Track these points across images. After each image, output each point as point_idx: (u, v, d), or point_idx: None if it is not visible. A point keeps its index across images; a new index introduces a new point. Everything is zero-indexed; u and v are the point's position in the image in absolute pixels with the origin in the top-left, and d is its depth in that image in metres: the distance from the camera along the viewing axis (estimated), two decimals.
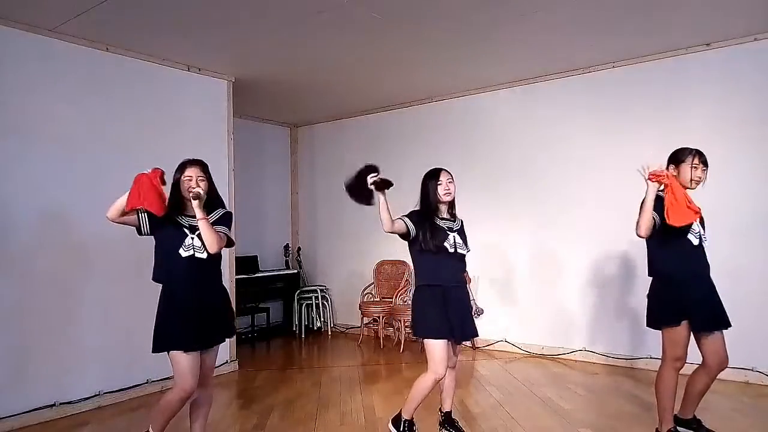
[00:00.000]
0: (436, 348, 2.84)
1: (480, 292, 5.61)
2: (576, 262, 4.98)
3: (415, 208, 3.11)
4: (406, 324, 5.57)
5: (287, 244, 6.99)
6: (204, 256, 2.68)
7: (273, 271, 6.62)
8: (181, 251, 2.68)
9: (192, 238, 2.72)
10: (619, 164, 4.78)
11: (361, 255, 6.44)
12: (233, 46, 4.25)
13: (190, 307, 2.67)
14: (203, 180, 2.82)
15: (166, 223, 2.73)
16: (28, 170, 3.69)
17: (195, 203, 2.61)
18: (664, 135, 4.55)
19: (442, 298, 2.89)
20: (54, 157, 3.81)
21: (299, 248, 7.07)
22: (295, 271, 6.83)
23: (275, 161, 7.08)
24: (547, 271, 5.17)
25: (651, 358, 4.55)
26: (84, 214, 3.95)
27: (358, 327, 6.23)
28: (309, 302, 6.64)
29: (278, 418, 3.61)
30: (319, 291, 6.64)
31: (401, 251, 6.39)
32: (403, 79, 5.28)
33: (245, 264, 6.09)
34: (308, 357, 5.69)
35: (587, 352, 4.91)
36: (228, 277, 4.87)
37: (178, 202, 2.80)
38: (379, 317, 5.83)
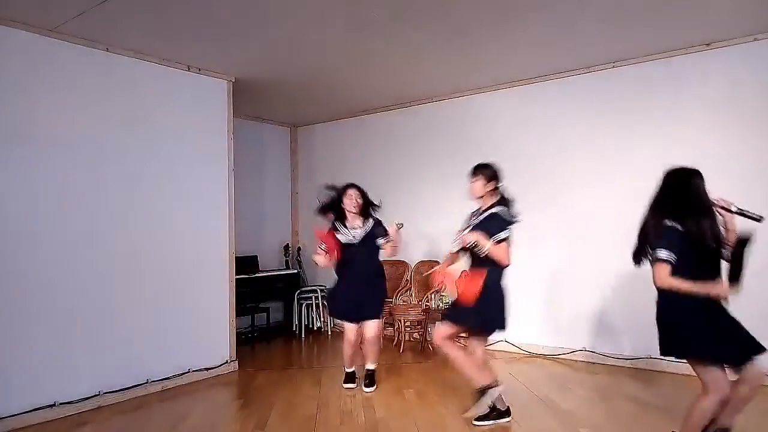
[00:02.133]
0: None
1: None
2: (576, 262, 4.98)
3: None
4: (406, 324, 5.58)
5: (287, 244, 6.99)
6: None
7: (273, 271, 6.62)
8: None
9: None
10: (619, 164, 4.78)
11: None
12: (233, 46, 4.25)
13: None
14: (360, 197, 4.08)
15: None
16: (27, 170, 3.68)
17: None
18: (663, 134, 4.56)
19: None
20: (53, 156, 3.81)
21: (299, 248, 7.07)
22: (295, 271, 6.83)
23: (275, 161, 7.09)
24: (547, 272, 5.17)
25: (651, 358, 4.55)
26: (83, 214, 3.96)
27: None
28: (309, 302, 6.63)
29: (278, 418, 3.61)
30: (319, 291, 6.63)
31: (400, 252, 6.40)
32: (403, 79, 5.28)
33: (245, 264, 6.09)
34: (308, 357, 5.68)
35: (587, 352, 4.91)
36: (228, 277, 4.88)
37: (341, 214, 4.09)
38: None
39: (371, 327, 4.14)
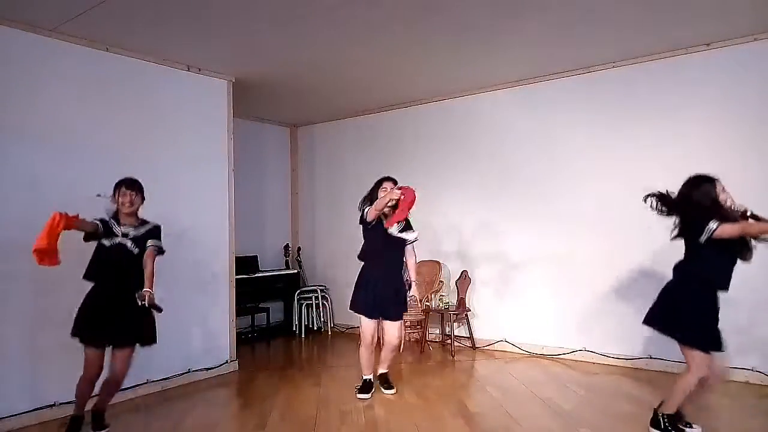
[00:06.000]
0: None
1: (480, 291, 5.61)
2: (576, 261, 4.98)
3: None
4: (406, 324, 5.57)
5: (287, 244, 6.99)
6: None
7: (273, 271, 6.62)
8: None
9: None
10: (619, 164, 4.78)
11: None
12: (233, 46, 4.25)
13: None
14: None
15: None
16: (27, 170, 3.68)
17: None
18: (663, 134, 4.57)
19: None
20: (53, 156, 3.80)
21: (299, 248, 7.07)
22: (295, 271, 6.83)
23: (275, 161, 7.08)
24: (547, 271, 5.17)
25: (651, 358, 4.55)
26: (83, 214, 3.94)
27: (358, 327, 6.21)
28: (309, 302, 6.64)
29: (278, 418, 3.61)
30: (319, 291, 6.64)
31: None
32: (403, 79, 5.28)
33: (245, 264, 6.09)
34: (308, 357, 5.68)
35: (587, 352, 4.90)
36: (228, 277, 4.88)
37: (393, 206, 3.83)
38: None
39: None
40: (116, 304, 3.13)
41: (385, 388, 4.07)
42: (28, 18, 3.59)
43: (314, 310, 6.67)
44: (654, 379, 4.32)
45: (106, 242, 3.17)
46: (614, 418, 3.46)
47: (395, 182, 3.98)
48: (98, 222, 3.19)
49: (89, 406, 3.31)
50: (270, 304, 6.40)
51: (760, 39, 4.14)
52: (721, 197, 2.94)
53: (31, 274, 3.65)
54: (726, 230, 2.79)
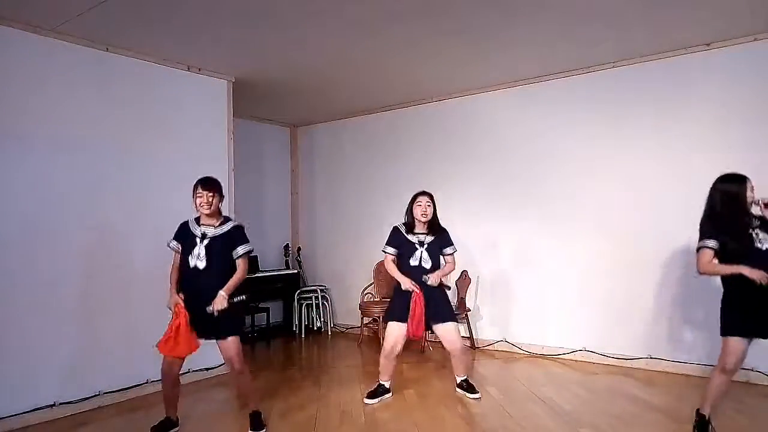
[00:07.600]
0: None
1: (480, 291, 5.61)
2: (576, 261, 4.98)
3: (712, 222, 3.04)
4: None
5: (287, 244, 6.99)
6: None
7: (273, 271, 6.62)
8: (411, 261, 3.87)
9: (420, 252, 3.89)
10: (619, 163, 4.79)
11: (361, 255, 6.44)
12: (233, 46, 4.25)
13: None
14: (430, 205, 3.87)
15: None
16: (28, 170, 3.68)
17: None
18: (663, 134, 4.57)
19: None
20: (53, 157, 3.80)
21: (299, 248, 7.07)
22: (295, 271, 6.83)
23: (275, 161, 7.08)
24: (547, 271, 5.17)
25: (651, 358, 4.55)
26: (83, 214, 3.96)
27: (358, 327, 6.23)
28: (309, 302, 6.64)
29: (278, 418, 3.61)
30: (319, 291, 6.64)
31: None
32: (403, 79, 5.28)
33: None
34: (308, 357, 5.68)
35: (587, 352, 4.90)
36: None
37: (411, 223, 3.91)
38: (379, 317, 5.82)
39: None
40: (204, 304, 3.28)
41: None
42: (28, 18, 3.59)
43: (314, 310, 6.67)
44: (654, 379, 4.32)
45: (190, 260, 3.32)
46: (614, 418, 3.46)
47: (431, 196, 3.94)
48: (175, 245, 3.42)
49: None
50: (270, 304, 6.39)
51: (760, 39, 4.14)
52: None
53: (30, 272, 3.66)
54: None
